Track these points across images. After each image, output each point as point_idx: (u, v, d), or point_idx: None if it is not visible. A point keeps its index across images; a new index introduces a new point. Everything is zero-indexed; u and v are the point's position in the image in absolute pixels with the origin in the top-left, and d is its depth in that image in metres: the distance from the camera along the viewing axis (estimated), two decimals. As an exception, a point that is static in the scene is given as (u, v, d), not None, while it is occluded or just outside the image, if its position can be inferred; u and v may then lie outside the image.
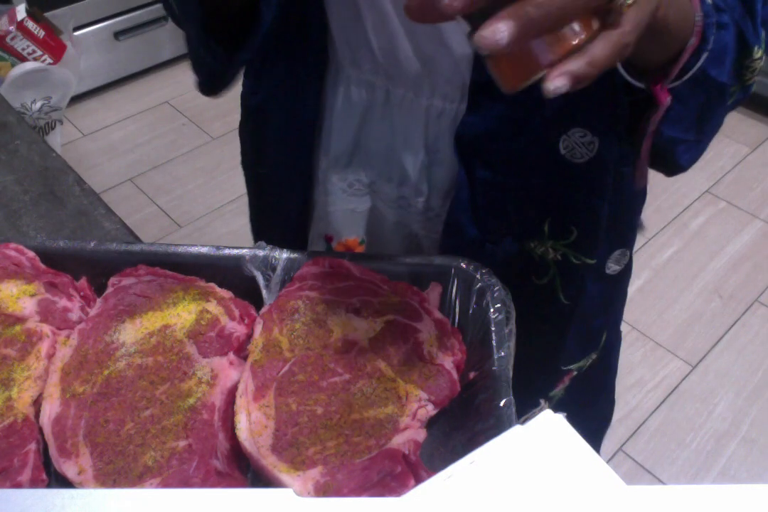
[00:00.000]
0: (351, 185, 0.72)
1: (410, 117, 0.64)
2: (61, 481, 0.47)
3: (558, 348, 0.76)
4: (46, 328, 0.53)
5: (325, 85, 0.66)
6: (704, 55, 0.47)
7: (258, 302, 0.57)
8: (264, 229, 0.89)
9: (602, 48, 0.35)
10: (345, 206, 0.74)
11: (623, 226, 0.72)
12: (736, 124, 2.35)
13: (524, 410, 0.79)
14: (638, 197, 0.73)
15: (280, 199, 0.78)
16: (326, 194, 0.74)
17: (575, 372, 0.81)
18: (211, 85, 0.67)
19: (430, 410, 0.50)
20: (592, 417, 0.95)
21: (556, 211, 0.64)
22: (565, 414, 0.38)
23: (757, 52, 0.52)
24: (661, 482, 1.47)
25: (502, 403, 0.48)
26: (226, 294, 0.57)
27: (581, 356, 0.80)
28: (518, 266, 0.68)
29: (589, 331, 0.79)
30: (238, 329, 0.54)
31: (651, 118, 0.50)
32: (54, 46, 1.92)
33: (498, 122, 0.58)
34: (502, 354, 0.51)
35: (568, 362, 0.79)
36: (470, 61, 0.57)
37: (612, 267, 0.74)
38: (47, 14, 2.02)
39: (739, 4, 0.51)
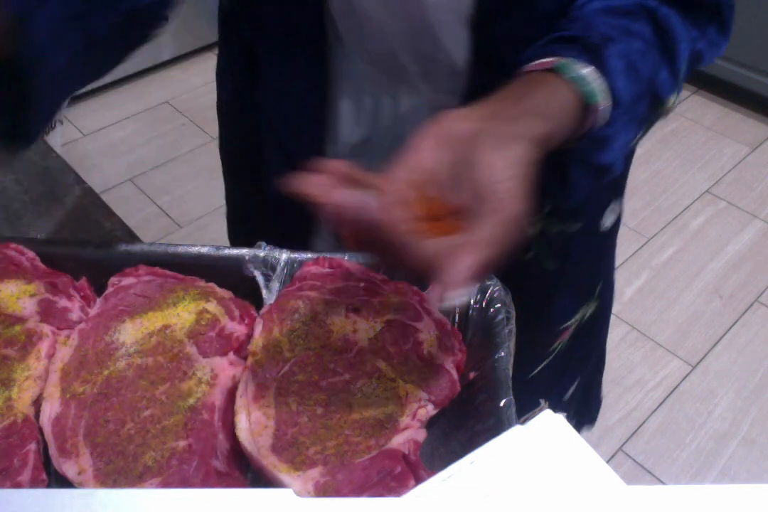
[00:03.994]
0: None
1: (416, 111, 0.64)
2: (61, 481, 0.47)
3: (550, 308, 0.77)
4: (46, 328, 0.53)
5: (330, 73, 0.66)
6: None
7: (258, 302, 0.57)
8: (257, 229, 0.88)
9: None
10: None
11: (612, 181, 0.73)
12: (736, 124, 2.36)
13: (523, 378, 0.81)
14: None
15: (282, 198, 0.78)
16: None
17: (573, 326, 0.82)
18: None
19: (430, 410, 0.50)
20: (592, 361, 0.98)
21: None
22: (565, 414, 0.38)
23: (671, 101, 0.52)
24: (661, 482, 1.47)
25: (502, 403, 0.48)
26: (226, 294, 0.57)
27: (575, 311, 0.81)
28: None
29: (583, 288, 0.80)
30: (238, 329, 0.54)
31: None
32: (54, 46, 1.92)
33: None
34: (502, 354, 0.51)
35: (564, 320, 0.80)
36: (468, 61, 0.57)
37: (605, 224, 0.75)
38: (47, 14, 2.02)
39: (657, 46, 0.51)
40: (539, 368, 0.83)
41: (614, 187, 0.74)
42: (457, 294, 0.35)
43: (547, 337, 0.81)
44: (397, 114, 0.66)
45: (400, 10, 0.56)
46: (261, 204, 0.82)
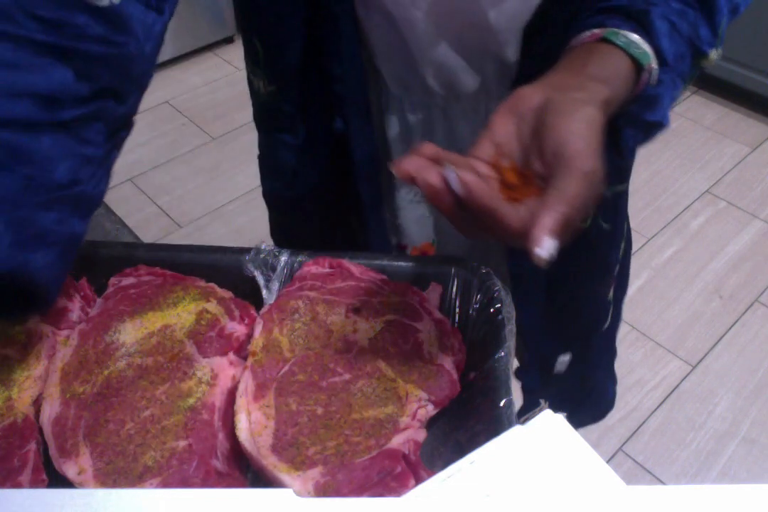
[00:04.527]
0: (417, 193, 0.74)
1: (471, 123, 0.66)
2: (61, 481, 0.47)
3: (608, 261, 0.81)
4: (46, 328, 0.53)
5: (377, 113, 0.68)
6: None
7: (258, 302, 0.57)
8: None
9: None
10: (414, 214, 0.77)
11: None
12: (736, 124, 2.35)
13: (595, 336, 0.88)
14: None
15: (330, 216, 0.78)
16: (395, 209, 0.76)
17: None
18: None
19: (430, 410, 0.50)
20: (608, 337, 1.01)
21: None
22: (565, 414, 0.38)
23: (713, 55, 0.54)
24: (661, 482, 1.47)
25: (502, 403, 0.48)
26: (226, 294, 0.57)
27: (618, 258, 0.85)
28: None
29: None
30: (238, 329, 0.54)
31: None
32: (54, 46, 1.92)
33: None
34: (502, 354, 0.51)
35: (615, 269, 0.84)
36: (516, 57, 0.60)
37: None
38: (47, 14, 2.02)
39: (696, 4, 0.53)
40: (607, 324, 0.87)
41: None
42: (546, 249, 0.36)
43: (607, 287, 0.85)
44: (451, 129, 0.68)
45: (456, 21, 0.58)
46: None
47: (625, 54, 0.48)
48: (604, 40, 0.48)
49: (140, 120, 2.43)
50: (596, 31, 0.49)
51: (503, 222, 0.38)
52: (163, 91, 2.48)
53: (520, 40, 0.58)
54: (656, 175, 2.16)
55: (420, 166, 0.40)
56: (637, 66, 0.48)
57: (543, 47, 0.57)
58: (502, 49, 0.59)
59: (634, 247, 1.99)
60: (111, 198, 2.21)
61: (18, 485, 0.45)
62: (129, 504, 0.35)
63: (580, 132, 0.40)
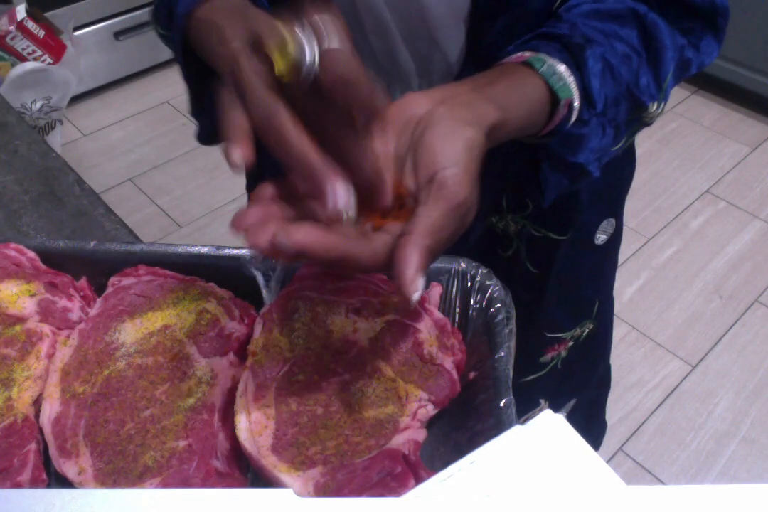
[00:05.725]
0: None
1: None
2: (61, 481, 0.47)
3: (538, 314, 0.77)
4: (46, 328, 0.53)
5: None
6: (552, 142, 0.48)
7: (258, 302, 0.57)
8: None
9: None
10: None
11: (610, 196, 0.72)
12: (736, 124, 2.36)
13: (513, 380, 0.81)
14: (624, 168, 0.73)
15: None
16: None
17: (571, 342, 0.81)
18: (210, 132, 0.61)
19: (430, 410, 0.50)
20: (592, 383, 0.98)
21: (512, 186, 0.64)
22: (565, 414, 0.38)
23: (653, 107, 0.53)
24: (661, 482, 1.47)
25: (502, 403, 0.48)
26: (226, 294, 0.57)
27: (572, 325, 0.80)
28: (484, 242, 0.69)
29: (579, 300, 0.80)
30: (238, 329, 0.54)
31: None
32: (54, 46, 1.92)
33: None
34: (502, 354, 0.51)
35: (554, 330, 0.80)
36: (458, 60, 0.58)
37: (600, 238, 0.75)
38: (47, 14, 2.02)
39: (641, 52, 0.51)
40: (530, 378, 0.82)
41: (605, 206, 0.74)
42: (419, 289, 0.35)
43: (536, 346, 0.81)
44: None
45: (402, 7, 0.56)
46: None
47: (543, 83, 0.46)
48: (527, 64, 0.46)
49: (140, 120, 2.43)
50: (526, 53, 0.47)
51: (357, 262, 0.36)
52: (163, 91, 2.48)
53: (462, 40, 0.56)
54: (656, 175, 2.16)
55: (252, 225, 0.37)
56: (555, 99, 0.46)
57: (482, 50, 0.55)
58: (444, 41, 0.57)
59: (634, 247, 1.99)
60: (111, 198, 2.22)
61: (18, 485, 0.45)
62: (129, 504, 0.35)
63: (455, 157, 0.38)
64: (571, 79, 0.46)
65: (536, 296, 0.75)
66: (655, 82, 0.52)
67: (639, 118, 0.53)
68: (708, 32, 0.56)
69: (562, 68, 0.46)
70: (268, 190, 0.40)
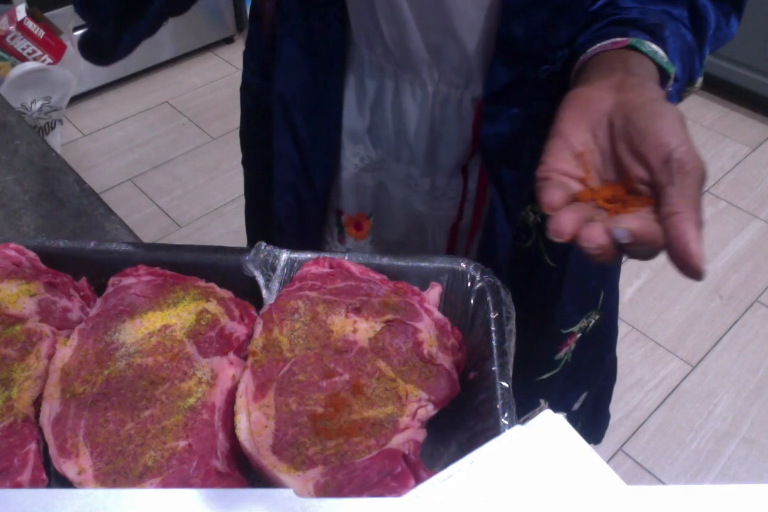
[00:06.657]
0: (362, 160, 0.73)
1: (418, 102, 0.65)
2: (61, 481, 0.47)
3: (554, 311, 0.77)
4: (46, 328, 0.53)
5: (343, 60, 0.67)
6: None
7: (258, 302, 0.57)
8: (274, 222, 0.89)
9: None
10: (356, 180, 0.75)
11: None
12: (736, 124, 2.35)
13: (530, 379, 0.82)
14: None
15: (301, 187, 0.78)
16: (340, 168, 0.75)
17: (579, 334, 0.82)
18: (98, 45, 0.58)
19: (430, 410, 0.50)
20: (601, 375, 0.98)
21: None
22: (565, 414, 0.38)
23: (698, 82, 0.55)
24: (661, 482, 1.47)
25: (502, 403, 0.48)
26: (226, 294, 0.57)
27: (580, 317, 0.81)
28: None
29: (585, 292, 0.80)
30: (238, 329, 0.54)
31: None
32: (54, 46, 1.92)
33: (520, 123, 0.60)
34: (502, 354, 0.51)
35: (568, 325, 0.80)
36: (477, 51, 0.58)
37: None
38: (47, 14, 2.02)
39: (692, 31, 0.53)
40: (546, 376, 0.83)
41: None
42: (702, 261, 0.36)
43: (552, 342, 0.81)
44: (400, 104, 0.66)
45: None
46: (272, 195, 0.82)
47: (651, 62, 0.47)
48: (630, 48, 0.47)
49: (140, 120, 2.42)
50: (618, 39, 0.48)
51: (656, 245, 0.38)
52: (163, 91, 2.48)
53: (479, 29, 0.57)
54: (656, 175, 2.15)
55: (577, 224, 0.38)
56: (662, 75, 0.47)
57: (509, 43, 0.56)
58: (461, 32, 0.58)
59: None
60: (111, 198, 2.21)
61: (18, 485, 0.45)
62: (129, 504, 0.35)
63: (679, 133, 0.39)
64: (666, 57, 0.48)
65: (553, 291, 0.75)
66: (700, 58, 0.54)
67: (688, 91, 0.55)
68: (733, 9, 0.59)
69: (656, 47, 0.48)
70: (557, 196, 0.40)
